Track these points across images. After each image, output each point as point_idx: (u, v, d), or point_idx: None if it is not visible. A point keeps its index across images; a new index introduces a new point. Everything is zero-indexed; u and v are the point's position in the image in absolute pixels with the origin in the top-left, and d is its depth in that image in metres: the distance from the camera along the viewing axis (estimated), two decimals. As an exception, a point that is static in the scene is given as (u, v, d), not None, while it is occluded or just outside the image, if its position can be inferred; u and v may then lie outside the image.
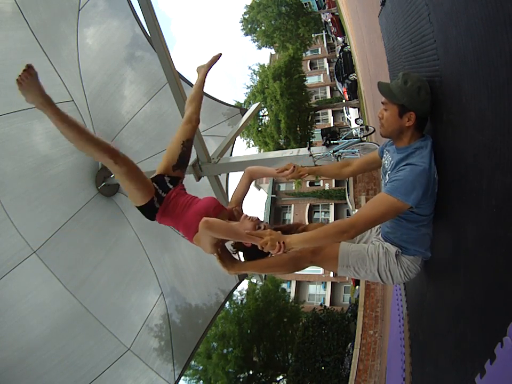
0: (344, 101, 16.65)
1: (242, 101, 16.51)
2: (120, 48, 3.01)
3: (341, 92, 15.44)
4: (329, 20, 19.24)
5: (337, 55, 16.03)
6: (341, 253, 1.69)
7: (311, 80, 27.66)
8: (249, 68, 19.68)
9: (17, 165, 2.58)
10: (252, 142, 16.81)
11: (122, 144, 3.25)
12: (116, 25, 2.89)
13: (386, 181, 1.61)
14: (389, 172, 1.59)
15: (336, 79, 15.00)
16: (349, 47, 13.92)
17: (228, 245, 1.77)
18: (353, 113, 14.56)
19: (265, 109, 16.07)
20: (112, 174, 3.28)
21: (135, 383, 3.14)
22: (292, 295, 20.88)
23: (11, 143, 2.51)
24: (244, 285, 17.29)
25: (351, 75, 13.24)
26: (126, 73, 3.10)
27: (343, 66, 13.59)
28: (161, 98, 3.21)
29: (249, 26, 23.09)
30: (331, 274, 21.15)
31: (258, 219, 1.70)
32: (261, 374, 15.62)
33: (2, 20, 2.22)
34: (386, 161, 1.70)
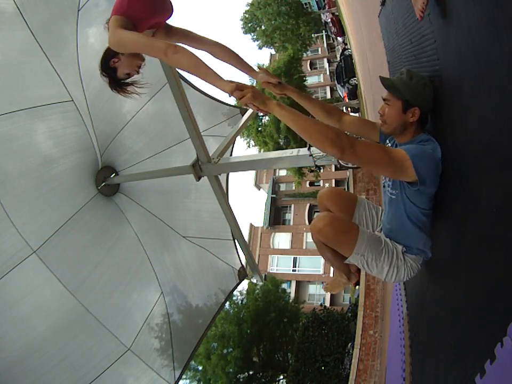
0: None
1: (242, 101, 16.47)
2: (121, 48, 3.00)
3: (342, 96, 15.42)
4: (329, 19, 19.22)
5: (338, 58, 15.95)
6: (360, 239, 1.60)
7: (311, 80, 27.70)
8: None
9: (18, 165, 2.58)
10: (252, 142, 16.79)
11: (122, 144, 3.24)
12: (116, 25, 2.89)
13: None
14: None
15: (336, 82, 14.95)
16: (350, 50, 13.83)
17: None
18: (352, 114, 14.54)
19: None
20: (112, 174, 3.28)
21: (136, 382, 3.14)
22: (292, 295, 20.86)
23: (11, 142, 2.51)
24: (244, 285, 17.28)
25: (352, 79, 12.94)
26: (126, 73, 3.10)
27: (344, 71, 13.46)
28: (161, 98, 3.20)
29: (249, 24, 23.07)
30: (331, 274, 21.14)
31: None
32: (261, 374, 15.61)
33: (2, 20, 2.21)
34: None
